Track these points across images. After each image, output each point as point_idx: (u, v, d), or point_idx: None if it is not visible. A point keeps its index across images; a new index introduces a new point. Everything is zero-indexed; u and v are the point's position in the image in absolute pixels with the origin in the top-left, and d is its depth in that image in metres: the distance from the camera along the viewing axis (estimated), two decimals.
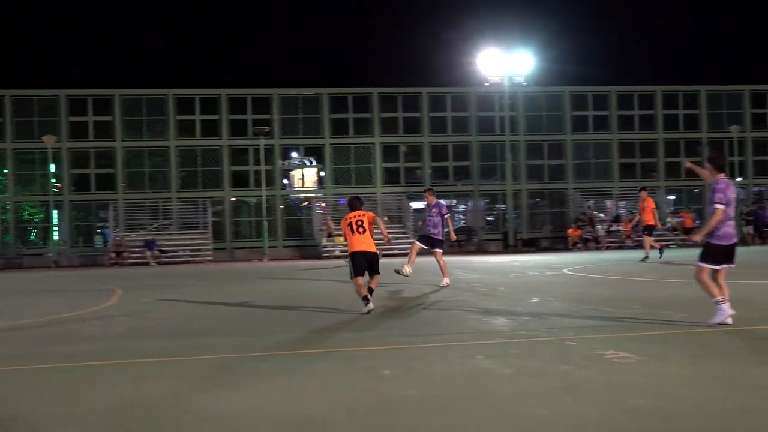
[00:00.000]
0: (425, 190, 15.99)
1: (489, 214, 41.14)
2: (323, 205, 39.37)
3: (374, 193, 39.79)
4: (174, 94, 38.97)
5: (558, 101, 41.64)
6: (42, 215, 39.26)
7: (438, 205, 15.00)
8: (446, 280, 14.75)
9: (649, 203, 22.03)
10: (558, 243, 38.36)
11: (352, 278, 10.72)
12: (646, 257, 21.60)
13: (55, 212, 38.18)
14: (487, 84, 38.85)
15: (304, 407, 5.33)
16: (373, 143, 40.05)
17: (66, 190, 38.22)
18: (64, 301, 14.71)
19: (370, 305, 10.41)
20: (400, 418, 4.98)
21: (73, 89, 39.67)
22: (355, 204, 11.20)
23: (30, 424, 5.09)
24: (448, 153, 40.85)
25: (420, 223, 16.74)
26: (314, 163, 40.99)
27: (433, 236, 14.87)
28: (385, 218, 40.40)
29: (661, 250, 22.48)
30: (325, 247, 36.06)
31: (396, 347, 7.80)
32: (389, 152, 40.55)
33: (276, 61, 57.71)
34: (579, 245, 36.06)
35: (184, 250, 36.49)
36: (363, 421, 4.99)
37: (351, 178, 40.09)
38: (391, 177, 40.72)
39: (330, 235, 35.96)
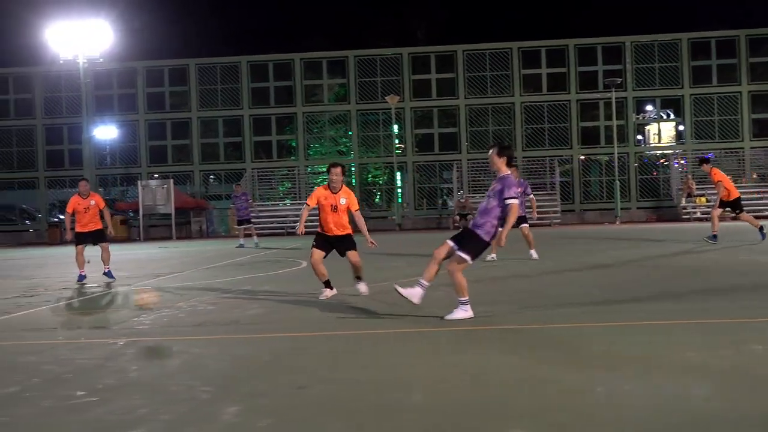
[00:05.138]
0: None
1: None
2: (682, 162, 35.98)
3: (741, 148, 35.76)
4: (519, 47, 36.89)
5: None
6: (386, 177, 38.80)
7: (523, 184, 13.64)
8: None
9: None
10: None
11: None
12: None
13: (398, 174, 37.56)
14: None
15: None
16: (740, 92, 35.77)
17: (409, 151, 37.47)
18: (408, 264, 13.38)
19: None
20: None
21: (415, 47, 38.78)
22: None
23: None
24: None
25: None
26: (672, 116, 37.47)
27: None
28: (755, 176, 36.34)
29: None
30: (684, 208, 33.17)
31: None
32: (759, 102, 36.12)
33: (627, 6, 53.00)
34: None
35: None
36: None
37: (714, 132, 36.12)
38: (762, 130, 36.32)
39: (690, 195, 33.29)
